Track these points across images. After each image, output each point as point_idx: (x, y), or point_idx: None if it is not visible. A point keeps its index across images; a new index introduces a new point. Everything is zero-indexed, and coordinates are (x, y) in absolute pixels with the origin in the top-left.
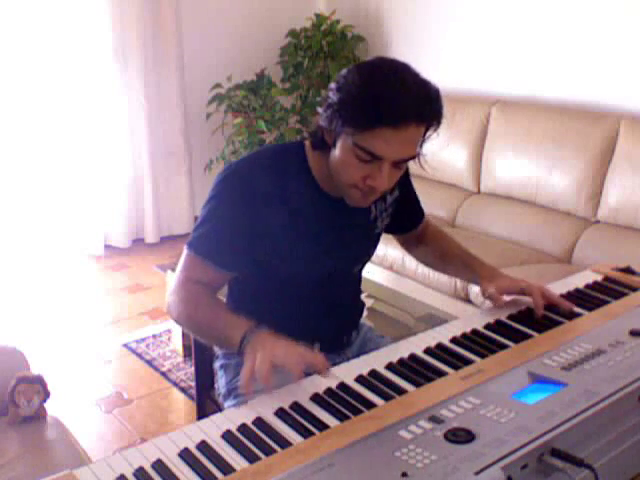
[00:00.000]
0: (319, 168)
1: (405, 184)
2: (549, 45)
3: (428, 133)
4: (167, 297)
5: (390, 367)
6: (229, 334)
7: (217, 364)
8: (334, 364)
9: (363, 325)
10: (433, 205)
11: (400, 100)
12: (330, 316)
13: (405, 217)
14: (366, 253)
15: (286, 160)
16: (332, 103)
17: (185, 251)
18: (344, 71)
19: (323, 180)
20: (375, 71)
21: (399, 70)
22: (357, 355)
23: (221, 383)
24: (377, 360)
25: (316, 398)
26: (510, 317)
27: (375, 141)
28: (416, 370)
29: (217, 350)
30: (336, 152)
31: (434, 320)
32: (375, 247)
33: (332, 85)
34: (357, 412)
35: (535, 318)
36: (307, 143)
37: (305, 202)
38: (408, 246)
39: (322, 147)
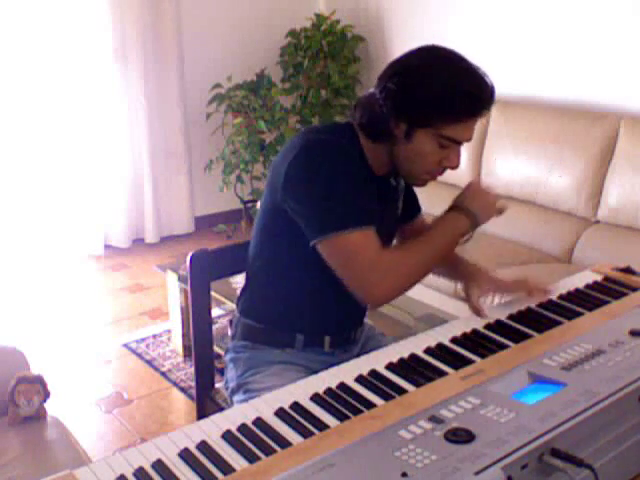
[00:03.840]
0: (369, 149)
1: None
2: (549, 45)
3: None
4: (362, 285)
5: (390, 367)
6: (454, 232)
7: (227, 357)
8: (341, 361)
9: (365, 324)
10: (433, 205)
11: (487, 93)
12: (339, 309)
13: (408, 206)
14: (393, 235)
15: (345, 137)
16: (413, 101)
17: (337, 239)
18: (413, 63)
19: (372, 160)
20: (454, 66)
21: (468, 63)
22: (360, 353)
23: (230, 376)
24: (377, 360)
25: (316, 398)
26: (510, 317)
27: (461, 130)
28: (416, 370)
29: (227, 343)
30: (412, 144)
31: (434, 320)
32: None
33: (400, 80)
34: (357, 412)
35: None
36: (355, 124)
37: (361, 179)
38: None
39: (383, 139)
